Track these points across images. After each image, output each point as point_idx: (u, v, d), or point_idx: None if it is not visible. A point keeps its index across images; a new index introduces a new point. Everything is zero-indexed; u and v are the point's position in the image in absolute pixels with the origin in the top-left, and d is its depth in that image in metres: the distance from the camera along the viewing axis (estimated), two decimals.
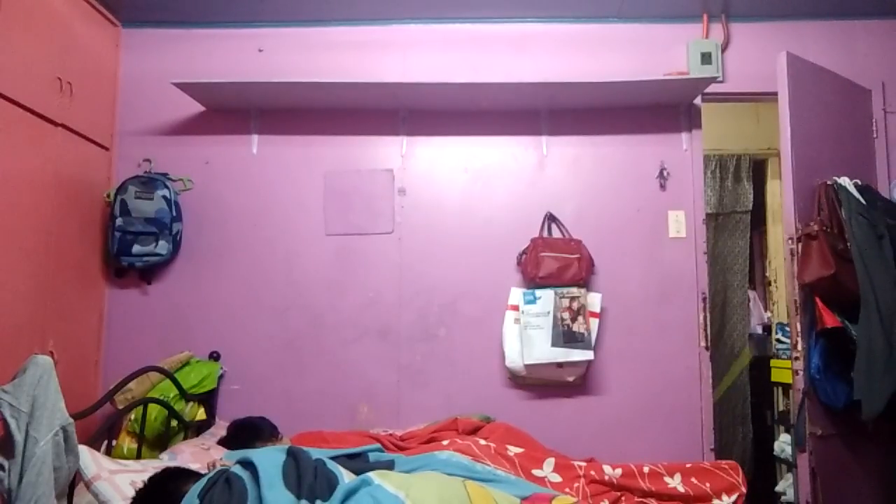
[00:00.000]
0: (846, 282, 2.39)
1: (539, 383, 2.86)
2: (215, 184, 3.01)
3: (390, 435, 2.55)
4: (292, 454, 1.57)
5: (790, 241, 2.50)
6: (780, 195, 4.10)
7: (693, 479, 2.27)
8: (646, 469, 2.29)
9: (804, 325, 2.47)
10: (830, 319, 2.41)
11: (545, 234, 2.94)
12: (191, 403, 2.67)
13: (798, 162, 2.51)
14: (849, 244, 2.42)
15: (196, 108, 3.02)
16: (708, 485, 2.26)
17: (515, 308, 2.85)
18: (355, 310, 2.93)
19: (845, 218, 2.46)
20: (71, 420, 1.67)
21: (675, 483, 2.26)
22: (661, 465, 2.32)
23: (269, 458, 1.54)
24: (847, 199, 2.49)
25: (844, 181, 2.55)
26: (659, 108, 3.00)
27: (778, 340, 3.85)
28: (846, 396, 2.38)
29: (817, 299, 2.46)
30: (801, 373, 2.45)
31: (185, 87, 2.84)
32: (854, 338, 2.37)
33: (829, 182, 2.53)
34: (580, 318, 2.77)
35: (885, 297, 2.37)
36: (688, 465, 2.33)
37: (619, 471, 2.27)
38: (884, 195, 2.74)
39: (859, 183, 2.58)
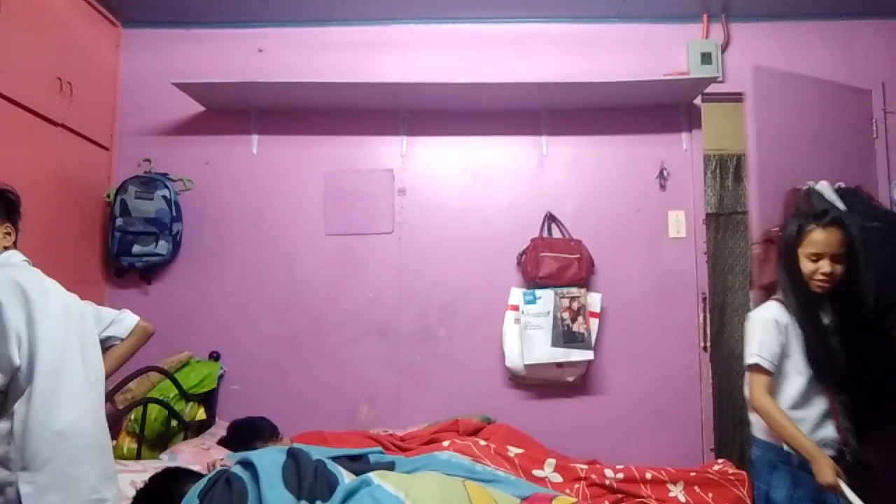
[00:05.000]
0: None
1: (539, 383, 2.86)
2: (215, 184, 3.01)
3: (390, 435, 2.55)
4: (292, 455, 1.57)
5: (755, 247, 2.57)
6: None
7: (696, 489, 2.22)
8: (648, 475, 2.25)
9: None
10: None
11: (545, 234, 2.94)
12: (191, 403, 2.67)
13: (763, 168, 2.58)
14: None
15: (196, 108, 3.02)
16: (710, 495, 2.20)
17: (515, 308, 2.85)
18: (355, 310, 2.93)
19: None
20: None
21: (676, 492, 2.22)
22: (663, 472, 2.27)
23: (269, 459, 1.54)
24: (819, 203, 2.53)
25: (822, 186, 2.59)
26: (659, 108, 3.00)
27: None
28: None
29: None
30: None
31: (185, 87, 2.84)
32: None
33: (800, 187, 2.57)
34: (580, 318, 2.77)
35: None
36: (692, 474, 2.27)
37: (620, 475, 2.24)
38: (884, 195, 2.75)
39: (843, 186, 2.61)
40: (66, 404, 1.50)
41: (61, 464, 1.46)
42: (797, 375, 1.87)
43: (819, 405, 1.87)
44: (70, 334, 1.59)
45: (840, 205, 2.55)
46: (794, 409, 1.86)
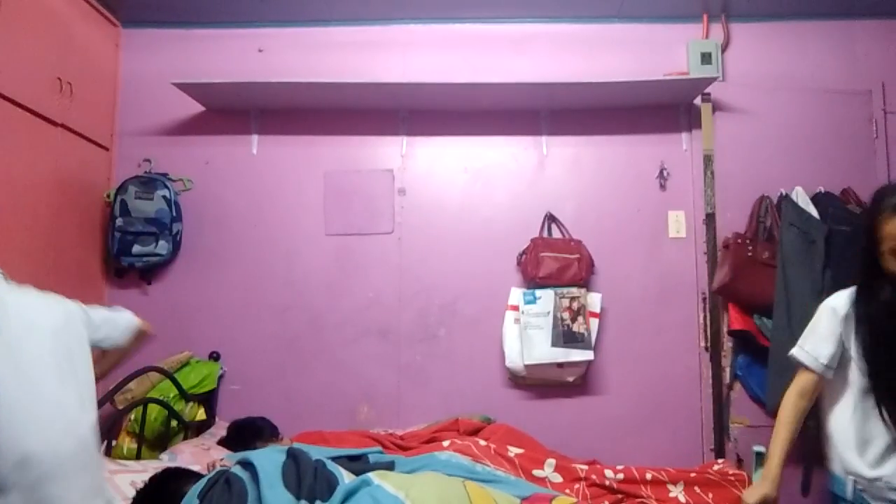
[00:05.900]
0: (750, 288, 2.63)
1: (539, 383, 2.86)
2: (215, 184, 3.01)
3: (390, 435, 2.55)
4: (292, 455, 1.57)
5: (720, 253, 2.81)
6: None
7: (696, 489, 2.21)
8: (648, 476, 2.24)
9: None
10: (737, 322, 2.73)
11: (545, 234, 2.94)
12: (191, 403, 2.67)
13: (728, 176, 2.88)
14: (777, 252, 2.63)
15: (196, 108, 3.02)
16: (710, 495, 2.19)
17: (515, 308, 2.85)
18: (355, 310, 2.93)
19: (781, 228, 2.66)
20: None
21: (676, 492, 2.21)
22: (664, 472, 2.25)
23: (268, 459, 1.54)
24: (786, 209, 2.68)
25: (796, 192, 2.74)
26: (659, 108, 3.00)
27: None
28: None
29: (730, 304, 2.76)
30: (727, 369, 2.80)
31: (185, 87, 2.83)
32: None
33: (768, 195, 2.78)
34: (580, 318, 2.77)
35: (799, 300, 2.53)
36: (692, 474, 2.26)
37: (620, 475, 2.23)
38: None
39: (822, 191, 2.76)
40: (32, 431, 1.40)
41: (32, 486, 1.38)
42: (855, 384, 1.51)
43: (881, 431, 1.46)
44: (40, 354, 1.47)
45: (813, 211, 2.69)
46: (852, 430, 1.48)
